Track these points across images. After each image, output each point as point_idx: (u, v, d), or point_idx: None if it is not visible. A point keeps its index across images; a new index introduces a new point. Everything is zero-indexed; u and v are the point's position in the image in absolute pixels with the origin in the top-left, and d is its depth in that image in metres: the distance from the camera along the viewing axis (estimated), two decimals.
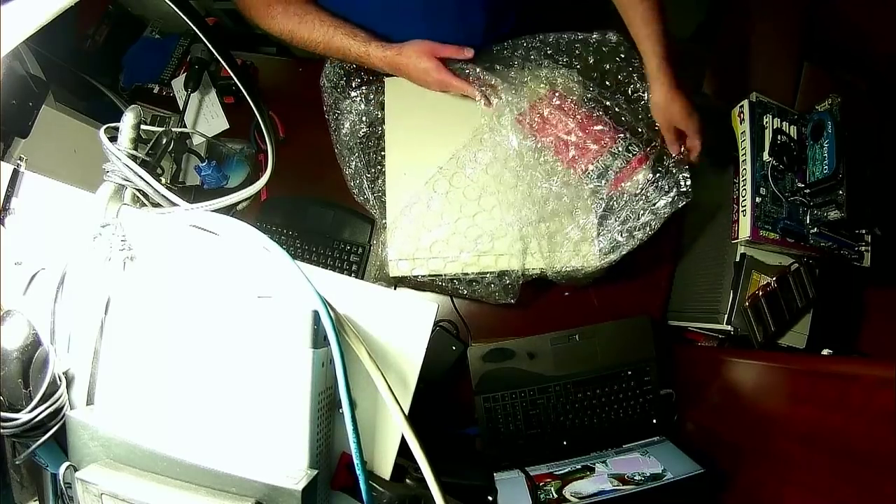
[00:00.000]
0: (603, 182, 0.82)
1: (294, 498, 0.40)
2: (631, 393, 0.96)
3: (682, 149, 0.81)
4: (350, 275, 1.02)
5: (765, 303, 0.85)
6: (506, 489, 0.85)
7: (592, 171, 0.81)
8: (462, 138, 0.87)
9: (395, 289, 0.99)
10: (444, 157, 0.87)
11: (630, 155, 0.81)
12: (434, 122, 0.89)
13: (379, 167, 0.93)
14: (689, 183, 0.80)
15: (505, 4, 0.88)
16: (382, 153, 0.92)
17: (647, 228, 0.80)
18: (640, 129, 0.86)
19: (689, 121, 0.78)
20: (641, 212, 0.81)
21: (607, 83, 0.87)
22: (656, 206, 0.80)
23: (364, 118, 0.93)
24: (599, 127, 0.82)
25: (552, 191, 0.81)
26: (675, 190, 0.80)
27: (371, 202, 0.93)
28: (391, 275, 0.87)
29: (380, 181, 0.92)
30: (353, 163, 0.93)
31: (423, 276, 0.86)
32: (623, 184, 0.81)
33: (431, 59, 0.79)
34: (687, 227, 1.04)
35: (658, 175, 0.81)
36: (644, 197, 0.81)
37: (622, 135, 0.82)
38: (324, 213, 1.06)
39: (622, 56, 0.86)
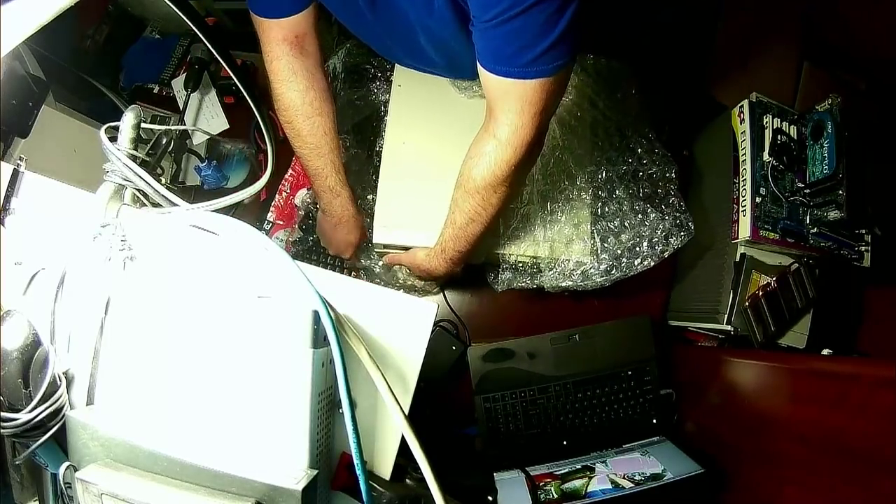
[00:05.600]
0: None
1: (294, 498, 0.40)
2: (631, 393, 0.96)
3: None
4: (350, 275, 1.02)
5: (765, 303, 0.85)
6: (506, 489, 0.85)
7: None
8: (467, 122, 0.87)
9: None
10: (446, 134, 0.88)
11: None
12: (440, 107, 0.90)
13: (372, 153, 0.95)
14: (691, 225, 0.86)
15: None
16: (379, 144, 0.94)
17: (652, 258, 0.84)
18: (627, 132, 0.89)
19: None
20: (645, 240, 0.84)
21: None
22: (667, 242, 0.84)
23: (361, 103, 0.94)
24: None
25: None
26: (678, 227, 0.85)
27: (358, 191, 0.93)
28: (374, 241, 0.86)
29: (374, 172, 0.93)
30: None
31: (407, 246, 0.85)
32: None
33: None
34: None
35: (667, 214, 0.87)
36: (650, 227, 0.84)
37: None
38: None
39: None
